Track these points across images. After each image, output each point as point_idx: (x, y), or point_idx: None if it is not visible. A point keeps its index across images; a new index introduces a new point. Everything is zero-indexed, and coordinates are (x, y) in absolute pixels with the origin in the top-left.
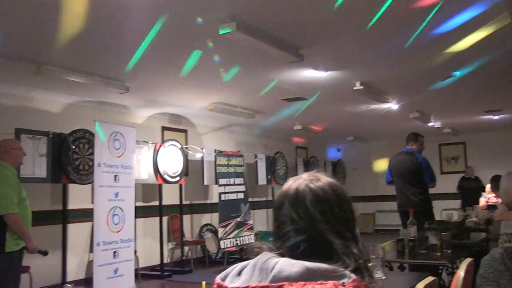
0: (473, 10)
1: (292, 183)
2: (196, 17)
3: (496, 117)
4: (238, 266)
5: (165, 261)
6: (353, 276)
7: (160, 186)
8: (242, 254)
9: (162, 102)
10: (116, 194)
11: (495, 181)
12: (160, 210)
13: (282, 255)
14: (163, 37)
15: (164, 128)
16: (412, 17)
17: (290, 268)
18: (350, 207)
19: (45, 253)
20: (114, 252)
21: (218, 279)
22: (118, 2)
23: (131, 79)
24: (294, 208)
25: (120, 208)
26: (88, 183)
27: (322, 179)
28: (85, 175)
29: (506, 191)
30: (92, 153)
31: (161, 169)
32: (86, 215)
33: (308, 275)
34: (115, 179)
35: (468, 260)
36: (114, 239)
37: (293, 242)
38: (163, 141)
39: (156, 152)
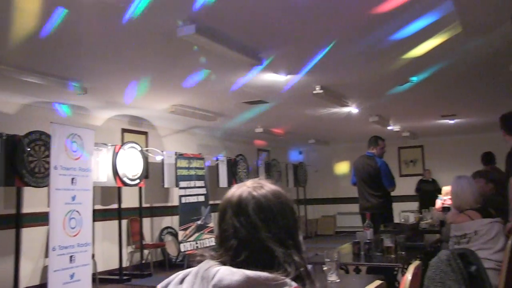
0: (428, 18)
1: (236, 191)
2: (156, 19)
3: (451, 122)
4: (180, 274)
5: (124, 265)
6: (294, 284)
7: (119, 189)
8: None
9: (122, 104)
10: (73, 197)
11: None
12: (119, 213)
13: (224, 263)
14: (123, 38)
15: (124, 130)
16: (370, 23)
17: (231, 277)
18: (293, 215)
19: None
20: (71, 256)
21: (159, 287)
22: (73, 1)
23: (90, 80)
24: (236, 216)
25: (77, 211)
26: (44, 186)
27: (266, 186)
28: (41, 178)
29: (456, 194)
30: (48, 156)
31: (120, 172)
32: (41, 219)
33: (248, 284)
34: (72, 182)
35: (416, 263)
36: (71, 243)
37: (235, 250)
38: (122, 143)
39: (115, 155)
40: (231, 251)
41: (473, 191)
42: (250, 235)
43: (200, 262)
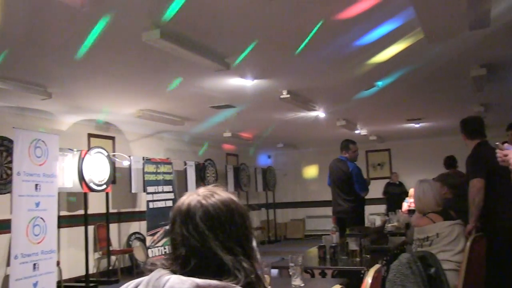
0: (391, 24)
1: (185, 199)
2: (120, 23)
3: (417, 125)
4: (132, 283)
5: (90, 272)
6: None
7: (85, 194)
8: None
9: (88, 109)
10: (37, 204)
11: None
12: (85, 219)
13: (174, 272)
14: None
15: (90, 135)
16: (335, 29)
17: (181, 286)
18: (244, 222)
19: None
20: (34, 264)
21: None
22: (37, 4)
23: (55, 85)
24: (184, 224)
25: (41, 218)
26: (6, 193)
27: (217, 194)
28: (3, 184)
29: (418, 198)
30: (11, 161)
31: (86, 177)
32: (3, 226)
33: None
34: (36, 188)
35: (376, 266)
36: (34, 251)
37: (184, 258)
38: (89, 149)
39: (81, 160)
40: (180, 259)
41: (435, 194)
42: (198, 244)
43: (151, 271)
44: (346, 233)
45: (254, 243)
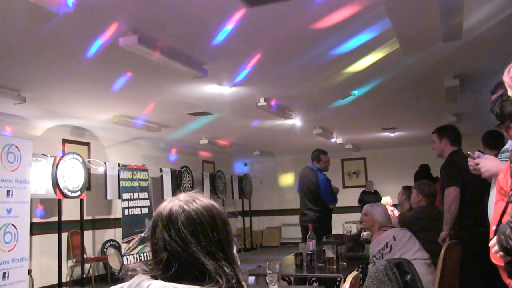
0: (367, 34)
1: (167, 204)
2: (97, 28)
3: (392, 134)
4: None
5: (64, 280)
6: None
7: (59, 201)
8: None
9: (63, 114)
10: (9, 210)
11: (407, 191)
12: (59, 226)
13: (155, 277)
14: (62, 47)
15: (65, 141)
16: (311, 38)
17: None
18: (224, 228)
19: None
20: (4, 273)
21: None
22: (7, 6)
23: (29, 89)
24: (166, 229)
25: (13, 225)
26: None
27: (198, 200)
28: None
29: (369, 220)
30: None
31: (60, 184)
32: None
33: None
34: (8, 194)
35: (354, 273)
36: (5, 259)
37: (165, 263)
38: (63, 154)
39: (55, 166)
40: (162, 264)
41: (385, 214)
42: (180, 248)
43: (132, 276)
44: (322, 241)
45: (235, 249)
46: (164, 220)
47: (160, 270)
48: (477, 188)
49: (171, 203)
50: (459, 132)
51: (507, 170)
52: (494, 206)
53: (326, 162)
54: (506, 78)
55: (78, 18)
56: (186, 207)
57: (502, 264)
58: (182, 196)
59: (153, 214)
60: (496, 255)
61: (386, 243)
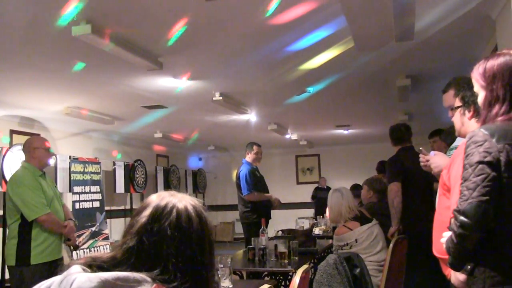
0: (323, 31)
1: (164, 197)
2: (50, 17)
3: (346, 132)
4: (46, 282)
5: (7, 277)
6: (151, 283)
7: (5, 194)
8: None
9: (11, 103)
10: None
11: (355, 190)
12: (4, 221)
13: (101, 267)
14: (12, 34)
15: (13, 132)
16: (266, 34)
17: (89, 284)
18: (210, 232)
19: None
20: None
21: None
22: None
23: None
24: (156, 221)
25: None
26: None
27: (191, 201)
28: None
29: (330, 208)
30: None
31: (7, 176)
32: None
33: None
34: None
35: (304, 267)
36: None
37: (129, 249)
38: (11, 146)
39: (2, 157)
40: (125, 248)
41: (347, 202)
42: (159, 242)
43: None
44: (275, 236)
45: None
46: (159, 211)
47: (121, 253)
48: (425, 184)
49: (169, 198)
50: (402, 131)
51: (450, 166)
52: (437, 201)
53: (256, 153)
54: (475, 73)
55: (28, 2)
56: (180, 205)
57: (444, 257)
58: (174, 193)
59: (152, 204)
60: (439, 248)
61: (347, 243)
